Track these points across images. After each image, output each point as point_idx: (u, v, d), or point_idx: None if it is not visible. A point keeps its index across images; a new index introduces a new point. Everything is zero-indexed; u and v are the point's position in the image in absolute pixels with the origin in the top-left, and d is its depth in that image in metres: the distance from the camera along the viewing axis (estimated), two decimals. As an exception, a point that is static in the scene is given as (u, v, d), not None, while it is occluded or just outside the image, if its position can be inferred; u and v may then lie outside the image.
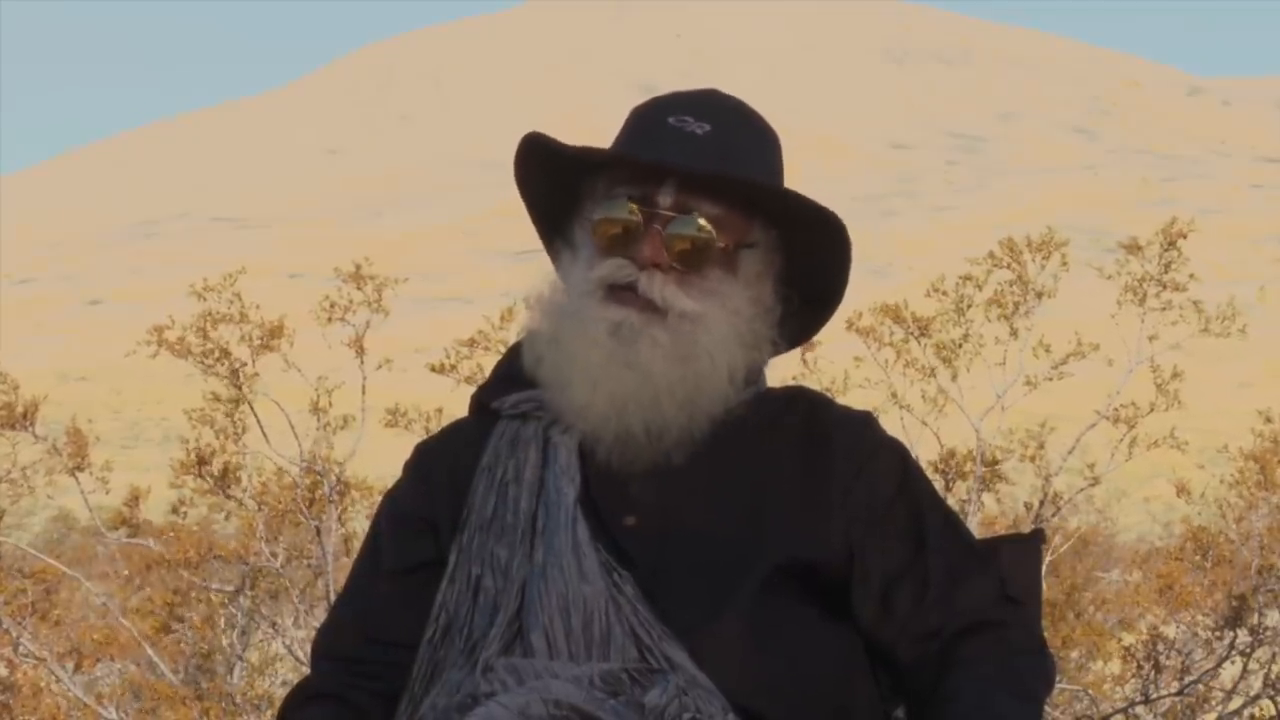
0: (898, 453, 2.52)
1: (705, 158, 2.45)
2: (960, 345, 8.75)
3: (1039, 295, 8.80)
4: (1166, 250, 8.83)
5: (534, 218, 2.61)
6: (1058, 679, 10.09)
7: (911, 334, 8.70)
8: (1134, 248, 8.88)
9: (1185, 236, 8.84)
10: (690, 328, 2.41)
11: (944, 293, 8.74)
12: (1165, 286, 8.85)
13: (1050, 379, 8.79)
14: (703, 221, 2.43)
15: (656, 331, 2.40)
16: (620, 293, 2.42)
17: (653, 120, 2.51)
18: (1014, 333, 8.80)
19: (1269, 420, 9.75)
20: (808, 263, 2.52)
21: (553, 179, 2.54)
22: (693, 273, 2.43)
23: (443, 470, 2.53)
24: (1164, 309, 8.86)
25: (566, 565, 2.38)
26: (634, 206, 2.43)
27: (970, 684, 2.33)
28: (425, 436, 2.73)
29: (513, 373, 2.54)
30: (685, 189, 2.44)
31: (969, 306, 8.78)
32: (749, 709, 2.32)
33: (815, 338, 2.67)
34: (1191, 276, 8.89)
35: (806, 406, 2.54)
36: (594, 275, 2.44)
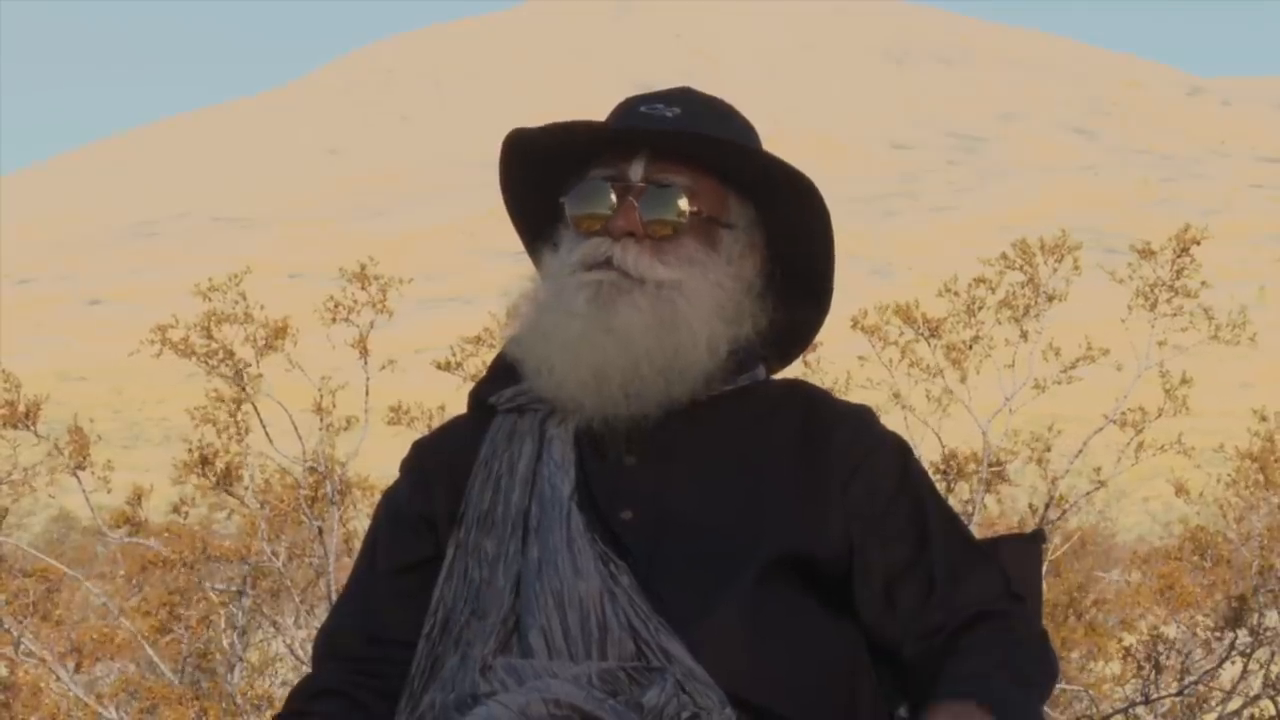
0: (898, 448, 2.52)
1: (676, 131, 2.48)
2: (970, 347, 8.74)
3: (1050, 299, 8.79)
4: (1179, 256, 8.81)
5: (517, 226, 2.64)
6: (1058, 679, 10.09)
7: (921, 334, 8.69)
8: (1147, 253, 8.86)
9: (1199, 243, 8.83)
10: (669, 294, 2.43)
11: (956, 293, 8.74)
12: (1176, 293, 8.84)
13: (1059, 382, 8.79)
14: (677, 191, 2.45)
15: (635, 296, 2.42)
16: (597, 268, 2.44)
17: (626, 112, 2.54)
18: (1024, 335, 8.79)
19: (1264, 419, 9.75)
20: (789, 241, 2.52)
21: (534, 181, 2.57)
22: (668, 241, 2.45)
23: (440, 467, 2.53)
24: (1174, 315, 8.85)
25: (561, 563, 2.38)
26: (608, 185, 2.46)
27: (969, 670, 2.34)
28: (425, 433, 2.74)
29: (508, 368, 2.54)
30: (656, 161, 2.46)
31: (980, 308, 8.77)
32: (748, 701, 2.32)
33: (818, 337, 2.68)
34: (1204, 283, 8.89)
35: (805, 400, 2.54)
36: (573, 258, 2.46)
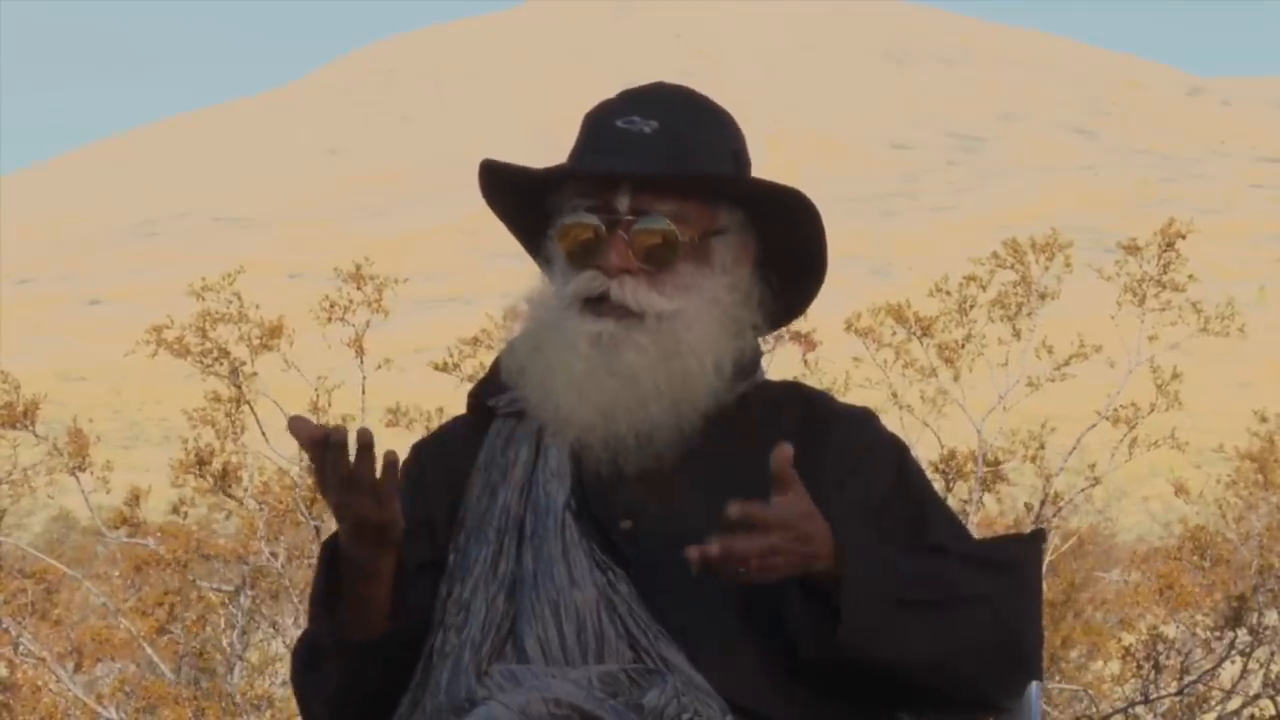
0: (895, 449, 2.51)
1: (655, 156, 2.45)
2: (963, 346, 8.75)
3: (1042, 297, 8.81)
4: (1165, 251, 8.84)
5: (512, 231, 2.62)
6: (1057, 679, 10.09)
7: (914, 334, 8.70)
8: (1133, 248, 8.88)
9: (1184, 237, 8.85)
10: (670, 326, 2.41)
11: (947, 293, 8.75)
12: (1164, 287, 8.86)
13: (1052, 380, 8.80)
14: (664, 220, 2.43)
15: (637, 336, 2.40)
16: (595, 304, 2.42)
17: (602, 125, 2.51)
18: (1017, 334, 8.80)
19: (1265, 420, 9.76)
20: (781, 238, 2.51)
21: (518, 198, 2.55)
22: (663, 271, 2.43)
23: (439, 470, 2.53)
24: (1163, 309, 8.87)
25: (558, 572, 2.37)
26: (594, 218, 2.44)
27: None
28: (425, 436, 2.73)
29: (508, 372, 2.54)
30: (641, 190, 2.44)
31: (972, 307, 8.78)
32: (748, 709, 2.31)
33: (817, 337, 2.67)
34: (1190, 277, 8.90)
35: (803, 403, 2.53)
36: (568, 291, 2.44)
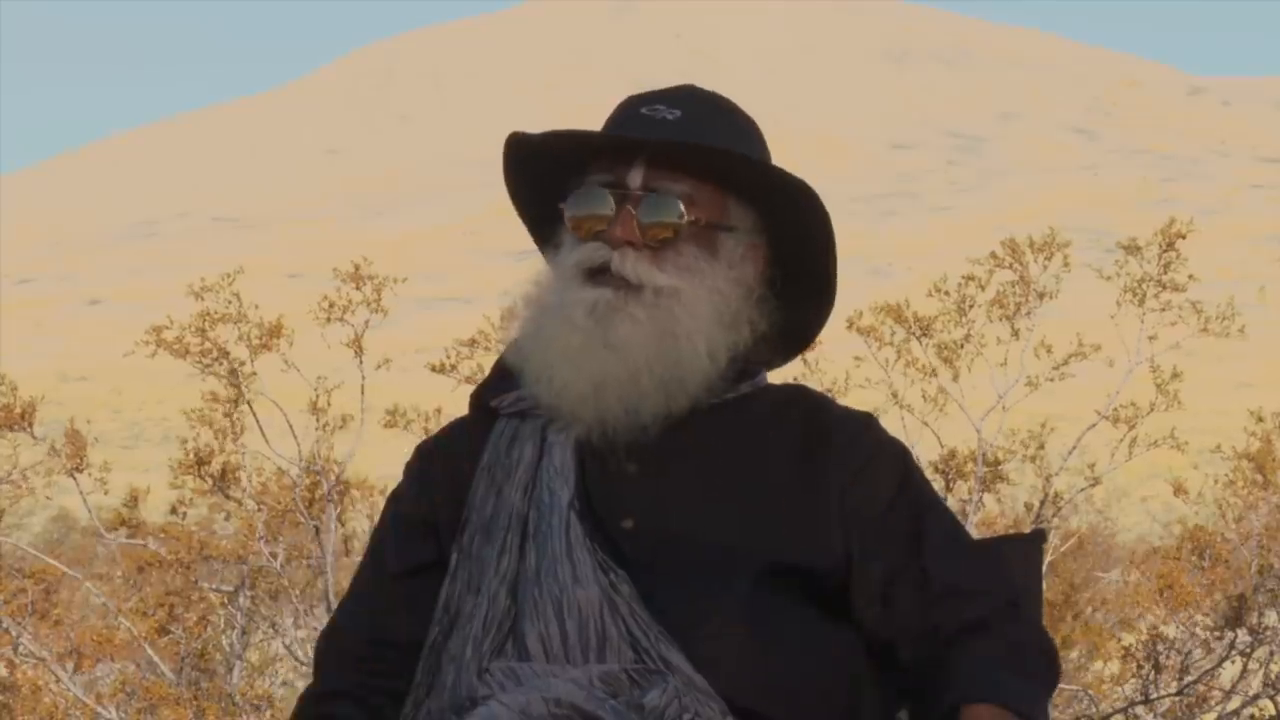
0: (897, 454, 2.51)
1: (675, 137, 2.46)
2: (962, 346, 8.76)
3: (1041, 296, 8.81)
4: (1166, 251, 8.85)
5: (526, 225, 2.63)
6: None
7: (913, 334, 8.70)
8: (1133, 248, 8.89)
9: (1184, 237, 8.86)
10: (668, 303, 2.42)
11: (946, 293, 8.76)
12: (1164, 287, 8.86)
13: (1052, 380, 8.80)
14: (674, 200, 2.44)
15: (634, 309, 2.41)
16: (596, 275, 2.43)
17: (626, 113, 2.53)
18: (1015, 333, 8.81)
19: (1261, 420, 9.76)
20: (791, 244, 2.51)
21: (538, 185, 2.56)
22: (667, 249, 2.44)
23: (442, 470, 2.53)
24: (1163, 309, 8.88)
25: (561, 570, 2.38)
26: (605, 194, 2.45)
27: (982, 671, 2.33)
28: (425, 436, 2.73)
29: (510, 370, 2.54)
30: (654, 167, 2.45)
31: (971, 307, 8.79)
32: (748, 710, 2.32)
33: (817, 337, 2.67)
34: (1191, 277, 8.90)
35: (806, 406, 2.53)
36: (570, 262, 2.46)
